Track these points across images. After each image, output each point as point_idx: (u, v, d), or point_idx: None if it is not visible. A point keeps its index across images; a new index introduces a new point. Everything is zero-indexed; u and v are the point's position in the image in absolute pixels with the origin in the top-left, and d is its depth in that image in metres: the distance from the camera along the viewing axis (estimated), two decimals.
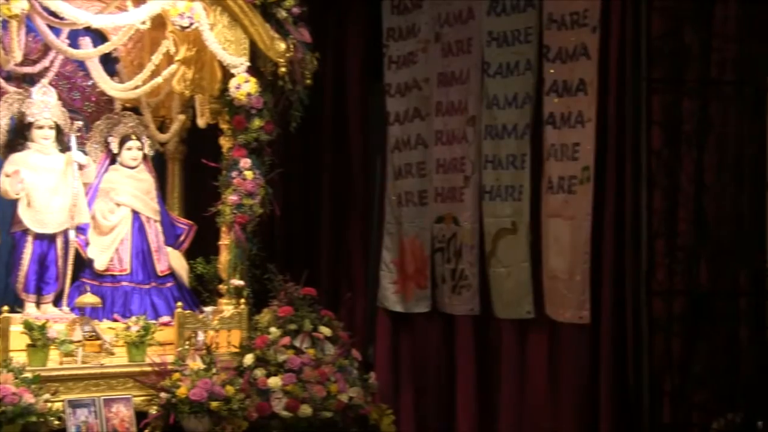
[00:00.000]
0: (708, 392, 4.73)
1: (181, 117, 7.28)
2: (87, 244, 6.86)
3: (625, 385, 6.11)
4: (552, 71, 6.65)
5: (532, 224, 6.75)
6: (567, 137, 6.53)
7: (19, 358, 6.05)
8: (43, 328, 6.13)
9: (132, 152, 7.05)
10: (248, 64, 6.67)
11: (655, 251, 4.37)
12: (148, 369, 6.30)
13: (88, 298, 6.52)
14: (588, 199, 6.37)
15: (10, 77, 6.86)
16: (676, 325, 4.53)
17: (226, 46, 6.62)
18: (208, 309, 6.91)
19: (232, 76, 6.66)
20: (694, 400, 4.72)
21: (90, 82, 7.11)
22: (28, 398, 5.80)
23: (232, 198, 6.71)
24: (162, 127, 7.36)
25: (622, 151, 6.16)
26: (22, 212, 6.63)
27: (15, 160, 6.69)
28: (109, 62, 7.08)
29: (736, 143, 4.69)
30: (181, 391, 6.12)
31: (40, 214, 6.65)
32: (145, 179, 7.09)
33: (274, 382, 6.44)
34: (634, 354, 4.44)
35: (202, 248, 7.29)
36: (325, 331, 6.74)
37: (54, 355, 6.19)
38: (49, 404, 5.91)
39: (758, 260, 4.65)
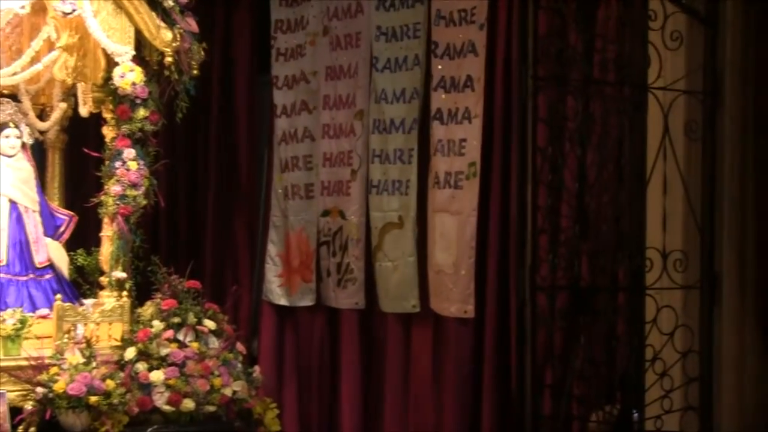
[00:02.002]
0: (587, 385, 4.82)
1: (63, 105, 7.13)
2: None
3: (508, 378, 6.23)
4: (440, 67, 6.69)
5: (419, 219, 6.79)
6: (454, 133, 6.58)
7: None
8: None
9: (10, 140, 6.87)
10: (133, 52, 6.56)
11: (539, 247, 4.43)
12: (24, 363, 6.16)
13: None
14: (474, 195, 6.44)
15: None
16: (558, 319, 4.60)
17: (111, 34, 6.50)
18: (88, 301, 6.77)
19: (117, 64, 6.54)
20: (574, 393, 4.80)
21: None
22: None
23: (115, 189, 6.58)
24: (42, 115, 7.19)
25: (508, 148, 6.28)
26: None
27: None
28: None
29: (618, 142, 4.78)
30: (59, 386, 6.00)
31: None
32: (24, 168, 6.91)
33: (156, 376, 6.36)
34: (518, 348, 4.50)
35: (83, 240, 7.16)
36: (210, 324, 6.69)
37: None
38: None
39: (637, 257, 4.76)
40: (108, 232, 6.67)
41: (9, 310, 6.38)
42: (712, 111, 4.84)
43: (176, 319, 6.59)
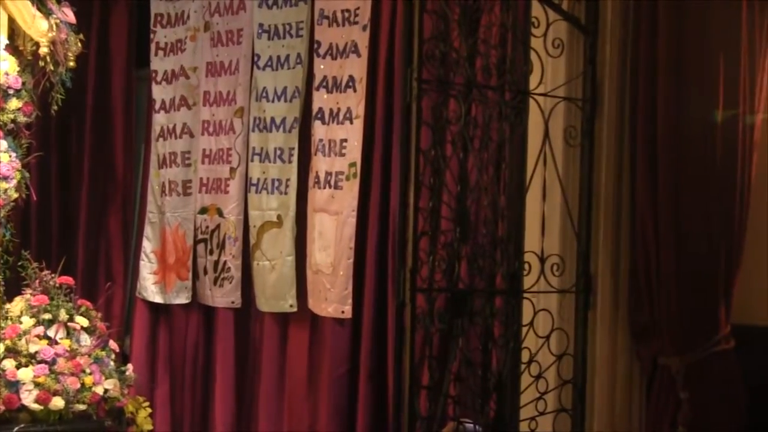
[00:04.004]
0: (464, 387, 4.87)
1: None
2: None
3: (385, 379, 6.25)
4: (322, 67, 6.68)
5: (298, 218, 6.78)
6: (335, 133, 6.58)
7: None
8: None
9: None
10: (6, 41, 6.42)
11: (419, 248, 4.45)
12: None
13: None
14: (354, 195, 6.45)
15: None
16: (437, 321, 4.63)
17: None
18: None
19: None
20: (450, 394, 4.84)
21: None
22: None
23: None
24: None
25: (389, 149, 6.31)
26: None
27: None
28: None
29: (499, 146, 4.84)
30: None
31: None
32: None
33: (25, 373, 6.22)
34: (395, 349, 4.51)
35: None
36: (82, 321, 6.57)
37: None
38: None
39: (515, 260, 4.82)
40: None
41: None
42: (591, 118, 4.94)
43: (47, 316, 6.46)
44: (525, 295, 4.81)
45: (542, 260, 4.81)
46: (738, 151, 4.77)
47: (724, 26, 4.76)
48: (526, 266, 4.81)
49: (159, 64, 7.62)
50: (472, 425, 4.72)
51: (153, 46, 7.65)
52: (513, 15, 4.91)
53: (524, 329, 4.81)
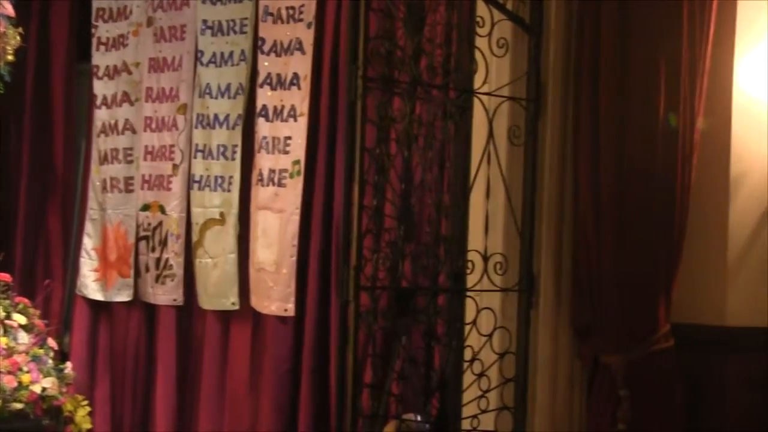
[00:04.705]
0: (407, 385, 4.88)
1: None
2: None
3: (327, 377, 6.25)
4: (266, 64, 6.67)
5: (241, 216, 6.75)
6: (279, 130, 6.57)
7: None
8: None
9: None
10: None
11: (363, 246, 4.46)
12: None
13: None
14: (297, 193, 6.45)
15: None
16: (380, 319, 4.63)
17: None
18: None
19: None
20: (393, 392, 4.85)
21: None
22: None
23: None
24: None
25: (333, 147, 6.30)
26: None
27: None
28: None
29: (443, 145, 4.86)
30: None
31: None
32: None
33: None
34: (338, 347, 4.51)
35: None
36: (19, 318, 6.51)
37: None
38: None
39: (459, 259, 4.84)
40: None
41: None
42: (535, 117, 4.97)
43: None
44: (468, 293, 4.83)
45: (486, 259, 4.83)
46: (678, 152, 4.82)
47: (666, 29, 4.82)
48: (470, 265, 4.83)
49: (101, 59, 7.54)
50: (416, 422, 4.73)
51: (94, 41, 7.57)
52: (458, 14, 4.94)
53: (467, 327, 4.83)
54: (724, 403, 5.01)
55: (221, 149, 6.87)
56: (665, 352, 4.87)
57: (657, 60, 4.80)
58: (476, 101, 4.87)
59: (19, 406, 6.26)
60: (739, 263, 5.11)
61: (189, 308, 7.06)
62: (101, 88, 7.53)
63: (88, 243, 7.53)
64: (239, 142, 6.80)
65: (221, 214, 6.85)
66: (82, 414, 6.75)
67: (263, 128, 6.65)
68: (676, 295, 4.89)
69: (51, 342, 6.61)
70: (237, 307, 6.76)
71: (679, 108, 4.82)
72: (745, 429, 5.03)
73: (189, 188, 7.02)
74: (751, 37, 5.11)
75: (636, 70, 4.83)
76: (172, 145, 7.12)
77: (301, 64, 6.50)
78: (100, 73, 7.54)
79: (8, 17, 6.57)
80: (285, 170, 6.51)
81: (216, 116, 6.90)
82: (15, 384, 6.24)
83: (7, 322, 6.42)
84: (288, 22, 6.59)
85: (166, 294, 7.12)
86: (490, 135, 4.84)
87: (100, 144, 7.51)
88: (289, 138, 6.51)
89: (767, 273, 5.22)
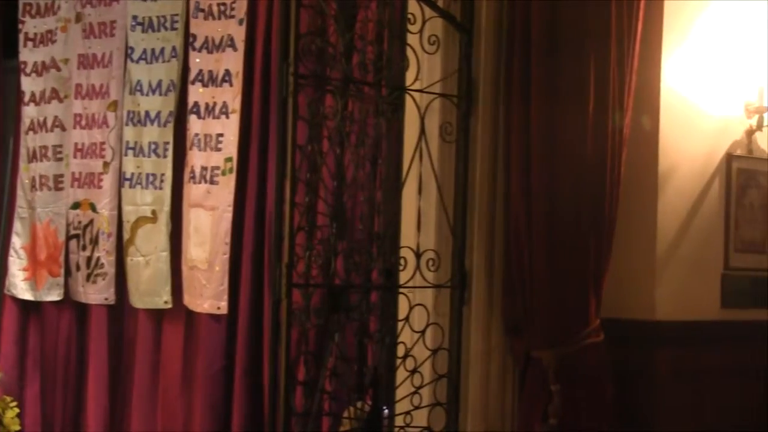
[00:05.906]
0: (340, 382, 4.88)
1: None
2: None
3: (260, 374, 6.23)
4: (198, 60, 6.63)
5: (173, 214, 6.71)
6: (211, 127, 6.53)
7: None
8: None
9: None
10: None
11: (295, 244, 4.45)
12: None
13: None
14: (230, 191, 6.42)
15: None
16: (313, 316, 4.62)
17: None
18: None
19: None
20: (326, 390, 4.85)
21: None
22: None
23: None
24: None
25: (266, 144, 6.28)
26: None
27: None
28: None
29: (375, 142, 4.86)
30: None
31: None
32: None
33: None
34: (271, 344, 4.50)
35: None
36: None
37: None
38: None
39: (391, 256, 4.84)
40: None
41: None
42: (466, 114, 4.98)
43: None
44: (401, 290, 4.83)
45: (418, 256, 4.84)
46: (608, 149, 4.87)
47: (595, 27, 4.86)
48: (402, 261, 4.84)
49: (28, 55, 7.45)
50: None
51: (22, 37, 7.48)
52: (389, 11, 4.93)
53: (400, 324, 4.84)
54: (653, 396, 5.08)
55: (153, 146, 6.82)
56: (595, 346, 4.91)
57: (587, 58, 4.84)
58: (408, 98, 4.87)
59: None
60: (667, 258, 5.19)
61: (121, 307, 7.00)
62: (29, 84, 7.44)
63: (17, 242, 7.44)
64: (171, 140, 6.75)
65: (153, 212, 6.80)
66: (10, 416, 6.66)
67: (195, 125, 6.61)
68: (606, 291, 4.94)
69: None
70: (170, 306, 6.72)
71: (609, 105, 4.87)
72: (674, 422, 5.11)
73: (120, 186, 6.96)
74: (677, 35, 5.19)
75: (566, 68, 4.87)
76: (102, 143, 7.05)
77: (232, 61, 6.47)
78: (28, 70, 7.45)
79: None
80: (217, 167, 6.47)
81: (147, 113, 6.84)
82: None
83: None
84: (219, 19, 6.55)
85: (97, 293, 7.05)
86: (422, 132, 4.85)
87: (29, 141, 7.43)
88: (221, 135, 6.48)
89: (695, 267, 5.31)
